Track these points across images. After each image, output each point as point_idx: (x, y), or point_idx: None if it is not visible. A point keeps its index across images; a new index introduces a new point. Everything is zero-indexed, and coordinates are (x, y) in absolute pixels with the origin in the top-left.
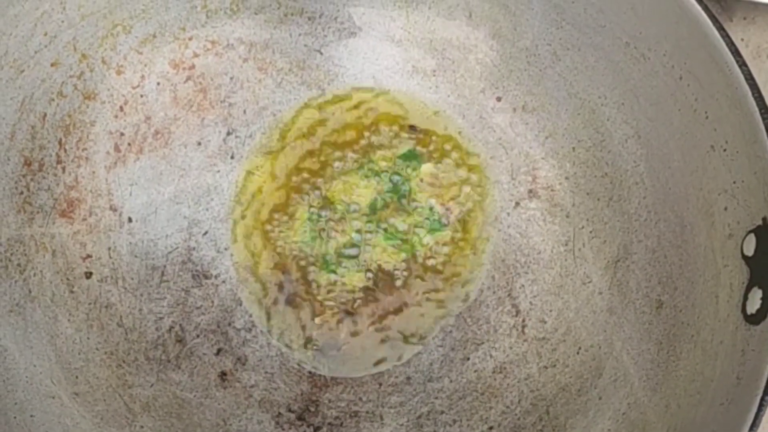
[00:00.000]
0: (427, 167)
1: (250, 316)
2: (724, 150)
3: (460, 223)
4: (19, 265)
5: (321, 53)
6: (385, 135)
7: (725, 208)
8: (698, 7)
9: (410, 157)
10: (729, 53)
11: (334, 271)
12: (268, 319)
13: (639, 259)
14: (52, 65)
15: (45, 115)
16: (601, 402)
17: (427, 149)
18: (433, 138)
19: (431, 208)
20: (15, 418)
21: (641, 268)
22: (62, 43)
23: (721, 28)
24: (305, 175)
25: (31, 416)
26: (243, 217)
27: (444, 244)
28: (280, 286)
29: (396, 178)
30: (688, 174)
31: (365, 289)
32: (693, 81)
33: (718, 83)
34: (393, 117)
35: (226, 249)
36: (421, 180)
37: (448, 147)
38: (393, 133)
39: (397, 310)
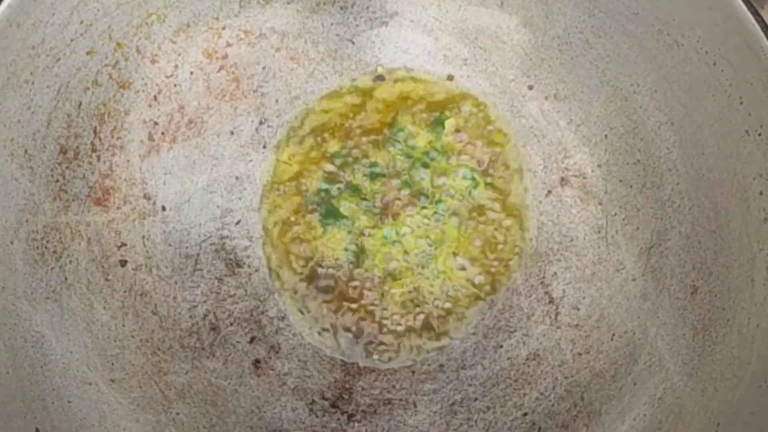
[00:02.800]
0: (450, 122)
1: (283, 304)
2: (759, 135)
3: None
4: (55, 252)
5: (353, 42)
6: (416, 119)
7: (760, 193)
8: None
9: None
10: (764, 38)
11: (366, 259)
12: (301, 307)
13: (673, 245)
14: (87, 54)
15: (80, 103)
16: (636, 388)
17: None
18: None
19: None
20: (53, 404)
21: (675, 254)
22: (98, 32)
23: (756, 13)
24: (339, 162)
25: (69, 402)
26: (276, 206)
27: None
28: (313, 275)
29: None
30: (722, 159)
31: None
32: (727, 66)
33: (753, 68)
34: (426, 101)
35: (258, 238)
36: (447, 136)
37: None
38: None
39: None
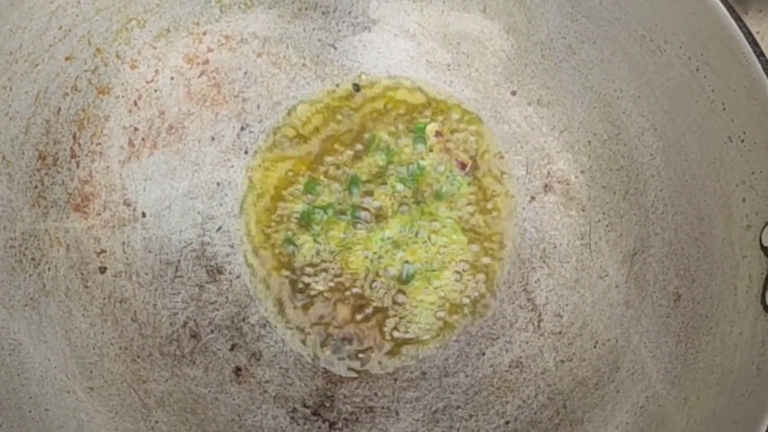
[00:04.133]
0: (431, 127)
1: (264, 311)
2: (742, 141)
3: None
4: (33, 259)
5: (335, 48)
6: (398, 124)
7: (743, 200)
8: None
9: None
10: (746, 43)
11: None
12: (282, 315)
13: (656, 252)
14: (66, 59)
15: (59, 109)
16: (619, 395)
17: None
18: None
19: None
20: (30, 412)
21: (658, 261)
22: (77, 37)
23: (738, 19)
24: (321, 168)
25: (46, 410)
26: (256, 212)
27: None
28: (294, 283)
29: (411, 168)
30: (705, 166)
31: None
32: (710, 72)
33: (735, 74)
34: (408, 106)
35: (239, 245)
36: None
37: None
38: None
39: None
